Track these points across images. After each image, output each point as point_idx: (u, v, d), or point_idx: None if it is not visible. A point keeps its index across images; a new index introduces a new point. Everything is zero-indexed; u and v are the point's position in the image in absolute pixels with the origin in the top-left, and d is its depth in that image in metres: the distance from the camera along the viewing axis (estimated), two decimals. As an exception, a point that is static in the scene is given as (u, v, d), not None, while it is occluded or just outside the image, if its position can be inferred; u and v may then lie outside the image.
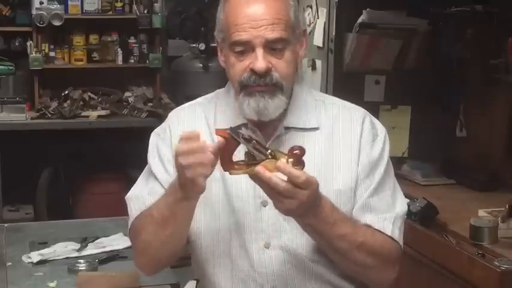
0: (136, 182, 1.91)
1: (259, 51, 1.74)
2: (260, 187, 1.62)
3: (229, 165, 1.63)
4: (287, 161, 1.59)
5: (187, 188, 1.63)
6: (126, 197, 1.90)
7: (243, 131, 1.61)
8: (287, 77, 1.78)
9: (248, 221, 1.80)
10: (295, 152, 1.60)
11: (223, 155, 1.62)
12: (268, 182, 1.57)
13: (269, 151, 1.61)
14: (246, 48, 1.75)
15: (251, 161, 1.60)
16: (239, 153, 1.64)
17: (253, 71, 1.75)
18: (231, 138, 1.60)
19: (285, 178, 1.57)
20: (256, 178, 1.59)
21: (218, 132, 1.63)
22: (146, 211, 1.80)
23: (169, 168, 1.84)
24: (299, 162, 1.59)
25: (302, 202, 1.59)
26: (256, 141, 1.61)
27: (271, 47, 1.75)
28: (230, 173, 1.63)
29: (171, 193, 1.69)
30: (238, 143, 1.60)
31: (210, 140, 1.83)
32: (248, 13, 1.74)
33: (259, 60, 1.73)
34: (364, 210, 1.81)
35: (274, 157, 1.60)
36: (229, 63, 1.80)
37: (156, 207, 1.74)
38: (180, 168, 1.60)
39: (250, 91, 1.76)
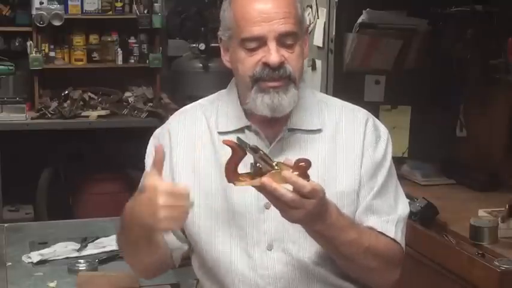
0: None
1: (272, 45, 1.72)
2: (266, 198, 1.61)
3: (234, 176, 1.60)
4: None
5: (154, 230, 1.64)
6: None
7: (249, 141, 1.60)
8: (299, 71, 1.78)
9: (250, 223, 1.79)
10: (300, 164, 1.58)
11: (229, 166, 1.59)
12: (275, 193, 1.56)
13: (275, 162, 1.59)
14: (259, 43, 1.73)
15: (256, 172, 1.58)
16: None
17: (266, 65, 1.73)
18: (238, 148, 1.58)
19: (291, 189, 1.56)
20: (262, 189, 1.58)
21: (225, 142, 1.60)
22: (120, 234, 1.82)
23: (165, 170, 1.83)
24: (304, 175, 1.58)
25: (309, 211, 1.59)
26: (263, 152, 1.59)
27: (283, 41, 1.74)
28: (235, 184, 1.60)
29: (132, 229, 1.68)
30: (245, 154, 1.58)
31: (210, 144, 1.82)
32: (259, 8, 1.73)
33: (273, 54, 1.72)
34: (367, 212, 1.81)
35: (280, 169, 1.58)
36: (238, 59, 1.77)
37: (123, 238, 1.77)
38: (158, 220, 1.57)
39: (264, 87, 1.75)
